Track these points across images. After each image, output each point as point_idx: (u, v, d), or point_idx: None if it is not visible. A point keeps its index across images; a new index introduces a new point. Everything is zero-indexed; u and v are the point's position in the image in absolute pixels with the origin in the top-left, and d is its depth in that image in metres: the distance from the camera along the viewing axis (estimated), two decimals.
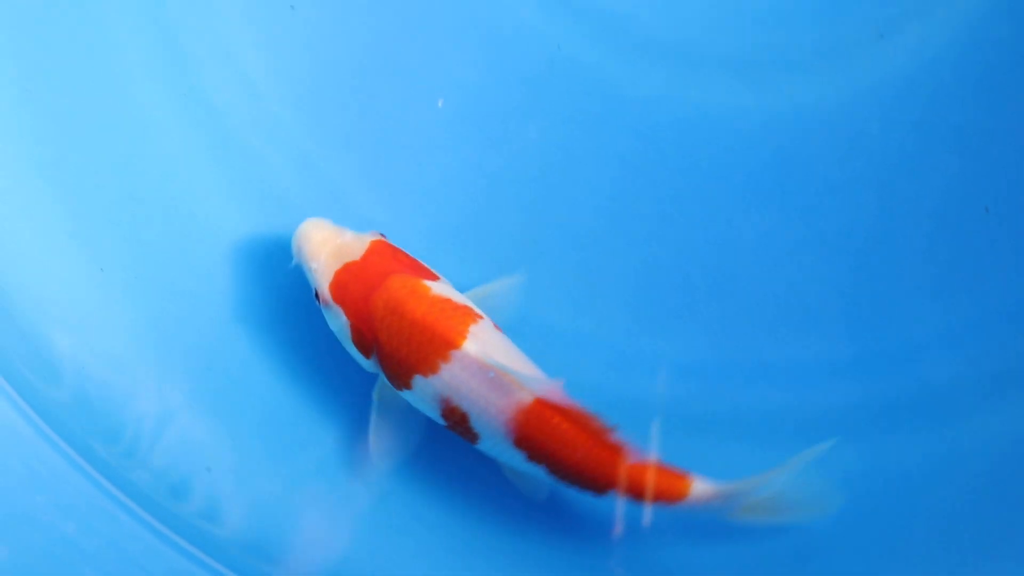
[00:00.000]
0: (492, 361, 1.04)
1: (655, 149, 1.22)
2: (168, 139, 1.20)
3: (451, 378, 1.05)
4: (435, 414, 1.08)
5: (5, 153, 1.19)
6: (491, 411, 1.05)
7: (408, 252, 1.11)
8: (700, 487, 1.05)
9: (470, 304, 1.09)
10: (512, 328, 1.17)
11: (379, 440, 1.12)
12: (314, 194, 1.20)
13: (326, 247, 1.09)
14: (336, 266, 1.09)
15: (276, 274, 1.18)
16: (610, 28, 1.23)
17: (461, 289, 1.11)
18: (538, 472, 1.07)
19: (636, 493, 1.05)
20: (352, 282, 1.08)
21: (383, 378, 1.10)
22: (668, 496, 1.05)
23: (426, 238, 1.19)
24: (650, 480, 1.04)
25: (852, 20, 1.22)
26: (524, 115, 1.22)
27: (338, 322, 1.09)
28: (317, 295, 1.10)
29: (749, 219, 1.20)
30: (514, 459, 1.07)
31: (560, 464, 1.05)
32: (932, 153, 1.20)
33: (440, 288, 1.08)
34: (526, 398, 1.04)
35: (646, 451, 1.05)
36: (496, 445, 1.07)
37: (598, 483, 1.05)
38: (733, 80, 1.22)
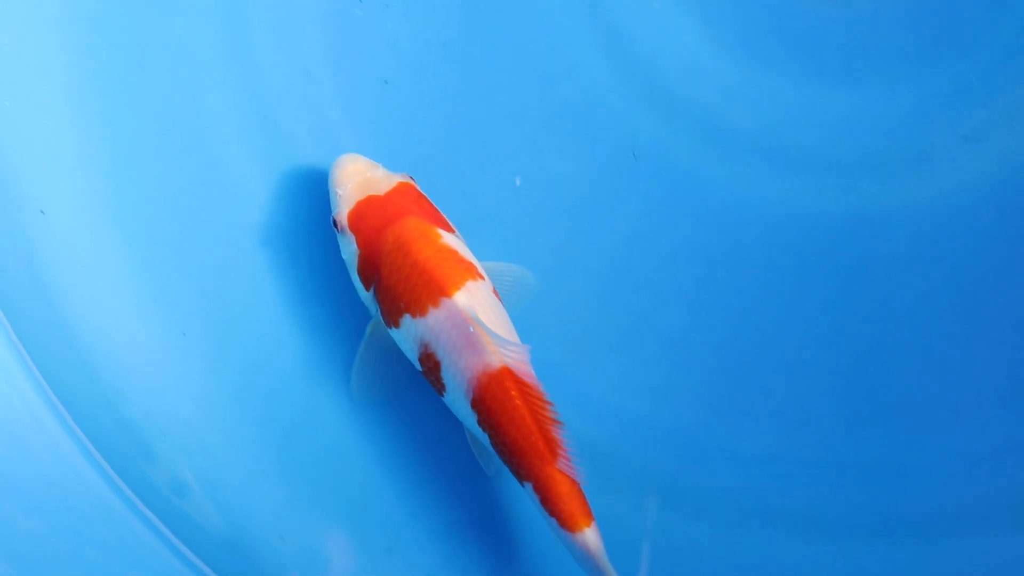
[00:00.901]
0: (476, 318, 1.07)
1: (739, 245, 1.23)
2: (258, 211, 1.21)
3: (435, 324, 1.08)
4: (414, 357, 1.11)
5: (95, 220, 1.20)
6: (460, 365, 1.07)
7: (436, 206, 1.14)
8: (591, 536, 1.06)
9: (476, 264, 1.11)
10: (592, 414, 1.18)
11: (361, 374, 1.15)
12: None
13: (356, 177, 1.13)
14: (360, 196, 1.13)
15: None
16: (699, 124, 1.24)
17: None
18: (484, 439, 1.09)
19: (543, 498, 1.06)
20: (370, 214, 1.12)
21: (378, 315, 1.13)
22: (562, 520, 1.06)
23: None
24: (559, 495, 1.06)
25: (938, 124, 1.23)
26: (610, 207, 1.23)
27: (349, 249, 1.13)
28: (336, 221, 1.13)
29: (830, 318, 1.21)
30: (468, 419, 1.09)
31: (499, 437, 1.07)
32: (1015, 259, 1.21)
33: (451, 240, 1.11)
34: (495, 363, 1.07)
35: (577, 467, 1.06)
36: (457, 400, 1.09)
37: (521, 470, 1.07)
38: (818, 179, 1.23)
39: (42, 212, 1.19)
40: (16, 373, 1.13)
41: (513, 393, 1.06)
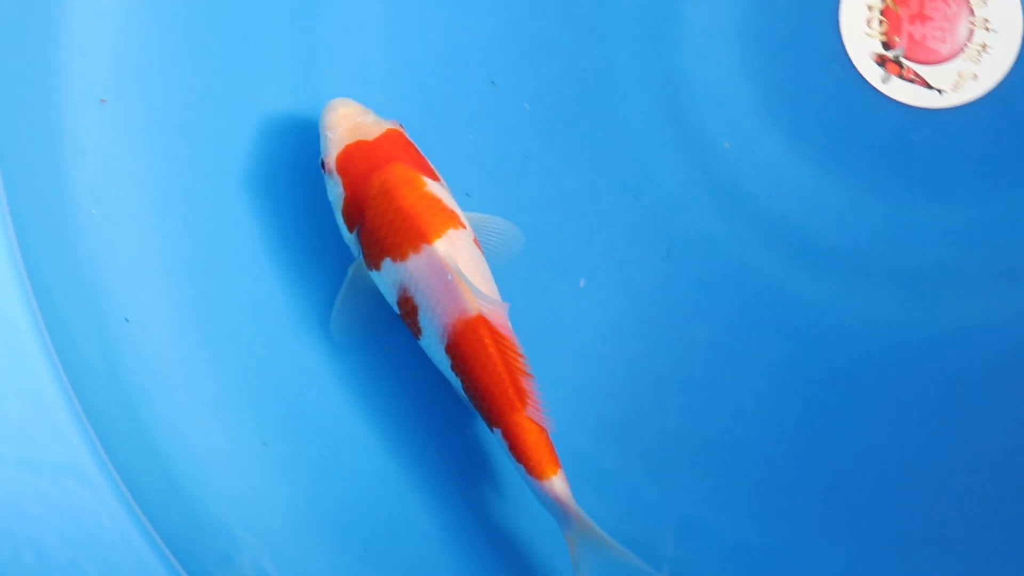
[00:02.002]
0: (455, 266, 1.09)
1: (823, 359, 1.22)
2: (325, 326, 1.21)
3: (414, 268, 1.10)
4: (392, 300, 1.13)
5: (178, 327, 1.21)
6: (437, 311, 1.10)
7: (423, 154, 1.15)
8: (559, 483, 1.08)
9: (460, 213, 1.13)
10: (676, 531, 1.18)
11: (341, 314, 1.17)
12: None
13: (346, 121, 1.15)
14: (349, 140, 1.14)
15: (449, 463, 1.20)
16: (783, 236, 1.23)
17: None
18: (457, 384, 1.11)
19: (512, 445, 1.08)
20: (358, 158, 1.14)
21: (360, 257, 1.15)
22: (530, 467, 1.08)
23: (591, 432, 1.20)
24: (527, 442, 1.08)
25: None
26: (691, 318, 1.22)
27: (335, 191, 1.15)
28: (324, 163, 1.15)
29: (910, 435, 1.20)
30: (442, 363, 1.11)
31: (471, 383, 1.09)
32: None
33: (436, 188, 1.13)
34: (471, 310, 1.09)
35: (546, 417, 1.08)
36: (432, 345, 1.11)
37: (491, 416, 1.09)
38: (900, 293, 1.22)
39: (127, 320, 1.20)
40: (101, 484, 1.13)
41: (487, 341, 1.08)
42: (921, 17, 1.25)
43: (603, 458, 1.19)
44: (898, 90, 1.25)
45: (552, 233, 1.23)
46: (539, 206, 1.24)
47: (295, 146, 1.21)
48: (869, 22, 1.25)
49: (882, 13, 1.26)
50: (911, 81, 1.25)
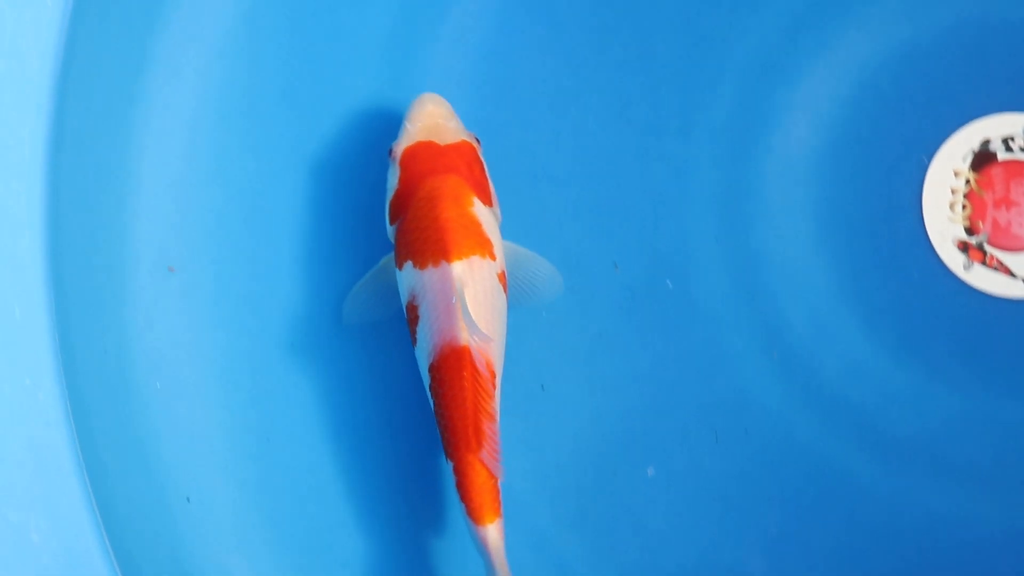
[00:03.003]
0: (461, 291, 1.09)
1: (890, 549, 1.20)
2: (399, 492, 1.20)
3: (428, 281, 1.11)
4: (404, 302, 1.14)
5: (238, 506, 1.19)
6: (433, 328, 1.10)
7: (488, 176, 1.15)
8: (493, 532, 1.09)
9: (495, 244, 1.13)
10: None
11: (358, 295, 1.17)
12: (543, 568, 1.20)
13: (428, 119, 1.16)
14: (422, 137, 1.15)
15: None
16: (857, 426, 1.21)
17: None
18: (431, 404, 1.12)
19: (459, 482, 1.09)
20: (422, 157, 1.14)
21: (393, 251, 1.16)
22: (470, 510, 1.09)
23: None
24: (474, 483, 1.09)
25: None
26: (761, 502, 1.21)
27: (391, 180, 1.16)
28: (391, 150, 1.16)
29: None
30: (425, 379, 1.12)
31: (440, 409, 1.10)
32: None
33: (482, 212, 1.13)
34: (461, 340, 1.09)
35: (499, 465, 1.08)
36: (421, 359, 1.12)
37: (448, 448, 1.10)
38: (977, 489, 1.20)
39: (188, 499, 1.18)
40: None
41: (464, 374, 1.09)
42: (1007, 202, 1.22)
43: None
44: (980, 278, 1.22)
45: (624, 415, 1.21)
46: (612, 387, 1.22)
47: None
48: (952, 206, 1.23)
49: (966, 197, 1.23)
50: (994, 269, 1.22)
